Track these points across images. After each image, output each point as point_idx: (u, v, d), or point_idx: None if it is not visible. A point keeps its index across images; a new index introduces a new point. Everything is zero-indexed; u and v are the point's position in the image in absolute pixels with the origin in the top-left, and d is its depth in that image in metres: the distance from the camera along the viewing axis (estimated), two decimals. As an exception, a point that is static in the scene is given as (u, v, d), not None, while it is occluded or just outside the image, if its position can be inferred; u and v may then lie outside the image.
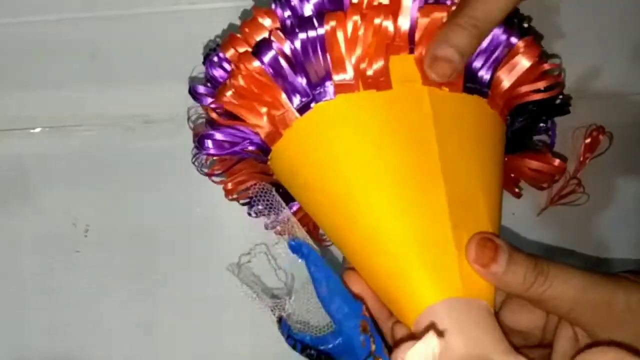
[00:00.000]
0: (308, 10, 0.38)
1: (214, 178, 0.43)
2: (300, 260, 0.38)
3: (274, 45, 0.37)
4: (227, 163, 0.43)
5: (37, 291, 0.47)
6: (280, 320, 0.38)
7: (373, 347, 0.34)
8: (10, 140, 0.48)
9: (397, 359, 0.29)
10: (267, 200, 0.39)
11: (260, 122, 0.39)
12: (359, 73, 0.37)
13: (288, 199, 0.41)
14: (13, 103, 0.49)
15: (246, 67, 0.38)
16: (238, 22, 0.49)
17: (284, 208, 0.39)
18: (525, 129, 0.44)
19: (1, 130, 0.48)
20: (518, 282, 0.33)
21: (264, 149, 0.40)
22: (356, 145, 0.36)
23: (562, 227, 0.48)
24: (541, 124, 0.45)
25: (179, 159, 0.47)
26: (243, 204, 0.45)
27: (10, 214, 0.48)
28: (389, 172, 0.35)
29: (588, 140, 0.48)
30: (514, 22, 0.40)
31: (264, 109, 0.39)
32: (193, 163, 0.43)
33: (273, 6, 0.39)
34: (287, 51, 0.37)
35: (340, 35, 0.37)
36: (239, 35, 0.39)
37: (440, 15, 0.37)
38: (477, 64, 0.38)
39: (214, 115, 0.40)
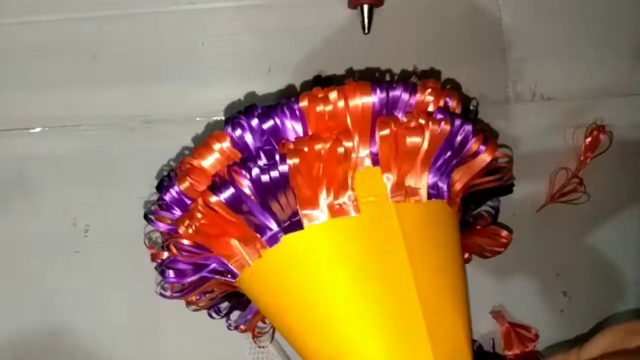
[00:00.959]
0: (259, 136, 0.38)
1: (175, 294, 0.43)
2: None
3: (235, 183, 0.37)
4: (191, 283, 0.42)
5: (37, 291, 0.47)
6: None
7: None
8: (10, 140, 0.48)
9: None
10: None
11: (228, 252, 0.39)
12: (327, 205, 0.37)
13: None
14: (13, 103, 0.49)
15: (207, 204, 0.37)
16: (238, 22, 0.49)
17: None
18: (474, 210, 0.45)
19: (1, 130, 0.48)
20: None
21: (230, 271, 0.40)
22: (327, 272, 0.36)
23: (562, 227, 0.48)
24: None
25: (178, 159, 0.47)
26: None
27: (10, 214, 0.48)
28: (365, 299, 0.36)
29: (588, 140, 0.48)
30: (469, 120, 0.40)
31: (233, 241, 0.38)
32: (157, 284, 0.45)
33: (227, 129, 0.38)
34: (248, 191, 0.37)
35: (303, 170, 0.36)
36: (194, 163, 0.39)
37: (396, 128, 0.37)
38: (438, 172, 0.39)
39: (174, 250, 0.39)
